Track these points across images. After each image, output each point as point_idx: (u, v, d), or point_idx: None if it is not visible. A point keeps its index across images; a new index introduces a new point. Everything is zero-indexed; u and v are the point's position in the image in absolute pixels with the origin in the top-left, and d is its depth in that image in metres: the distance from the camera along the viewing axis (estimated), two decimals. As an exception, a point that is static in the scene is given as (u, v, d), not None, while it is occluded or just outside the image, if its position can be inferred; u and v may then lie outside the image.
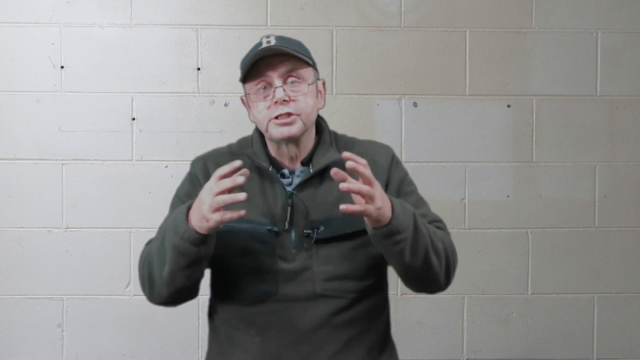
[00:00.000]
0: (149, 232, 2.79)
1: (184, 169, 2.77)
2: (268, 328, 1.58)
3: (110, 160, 2.78)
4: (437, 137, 2.83)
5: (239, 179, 1.39)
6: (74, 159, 2.77)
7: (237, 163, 1.41)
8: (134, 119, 2.78)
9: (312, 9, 2.81)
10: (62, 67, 2.77)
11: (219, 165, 1.60)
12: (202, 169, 1.69)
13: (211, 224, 1.42)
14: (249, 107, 1.67)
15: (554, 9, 2.85)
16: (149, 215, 2.78)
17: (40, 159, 2.77)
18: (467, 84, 2.84)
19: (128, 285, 2.78)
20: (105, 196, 2.77)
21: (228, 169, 1.41)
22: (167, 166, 2.79)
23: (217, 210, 1.40)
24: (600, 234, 2.87)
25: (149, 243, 1.66)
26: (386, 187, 1.65)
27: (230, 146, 1.76)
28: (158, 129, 2.78)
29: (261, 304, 1.57)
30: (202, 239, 1.45)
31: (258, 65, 1.60)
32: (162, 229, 1.56)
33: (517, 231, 2.86)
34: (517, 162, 2.85)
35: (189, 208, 1.47)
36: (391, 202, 1.46)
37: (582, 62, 2.86)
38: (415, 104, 2.82)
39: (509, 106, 2.85)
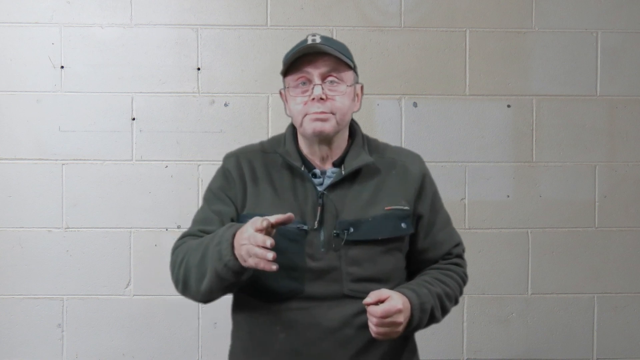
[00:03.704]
0: (149, 232, 2.82)
1: (184, 169, 2.79)
2: (293, 325, 1.60)
3: (110, 160, 2.78)
4: (437, 137, 2.83)
5: (269, 254, 1.41)
6: (74, 159, 2.77)
7: (288, 216, 1.46)
8: (134, 119, 2.78)
9: (312, 9, 2.81)
10: (62, 67, 2.77)
11: (250, 162, 1.69)
12: (235, 165, 1.71)
13: (246, 265, 1.46)
14: (286, 101, 1.69)
15: (554, 9, 2.85)
16: (149, 215, 2.78)
17: (40, 159, 2.77)
18: (467, 84, 2.84)
19: (128, 285, 2.78)
20: (105, 196, 2.77)
21: (274, 220, 1.44)
22: (167, 166, 2.79)
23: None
24: (600, 234, 2.87)
25: (182, 237, 1.69)
26: (418, 196, 1.70)
27: (262, 144, 1.78)
28: (158, 129, 2.78)
29: (288, 301, 1.60)
30: (243, 270, 1.49)
31: (300, 61, 1.63)
32: (204, 245, 1.56)
33: (517, 231, 2.86)
34: (517, 162, 2.85)
35: (234, 235, 1.49)
36: (411, 304, 1.58)
37: (582, 62, 2.86)
38: (415, 104, 2.82)
39: (509, 106, 2.85)
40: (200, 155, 2.79)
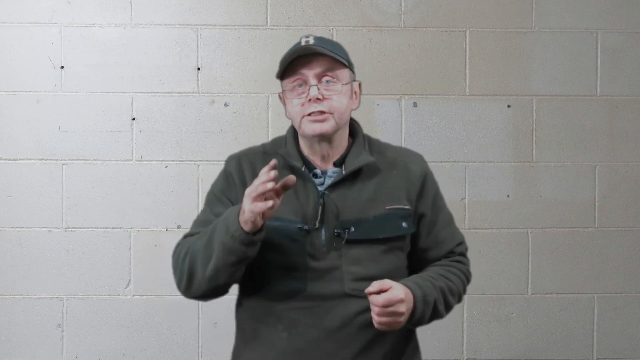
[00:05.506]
0: (149, 232, 2.82)
1: (184, 169, 2.79)
2: (295, 324, 1.62)
3: (110, 160, 2.78)
4: (437, 137, 2.83)
5: (269, 184, 1.45)
6: (74, 159, 2.77)
7: (273, 162, 1.48)
8: (134, 119, 2.78)
9: (312, 9, 2.81)
10: (62, 67, 2.77)
11: (252, 164, 1.70)
12: (236, 167, 1.73)
13: (247, 215, 1.48)
14: (285, 104, 1.71)
15: (554, 9, 2.85)
16: (149, 215, 2.78)
17: (40, 159, 2.77)
18: (467, 84, 2.84)
19: (128, 285, 2.79)
20: (105, 196, 2.77)
21: (267, 169, 1.47)
22: (167, 166, 2.79)
23: (254, 200, 1.47)
24: (600, 234, 2.87)
25: (185, 237, 1.70)
26: (419, 195, 1.71)
27: (264, 145, 1.80)
28: (158, 129, 2.78)
29: (290, 301, 1.61)
30: (251, 240, 1.51)
31: (295, 64, 1.65)
32: (210, 228, 1.59)
33: (517, 231, 2.86)
34: (517, 162, 2.85)
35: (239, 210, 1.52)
36: (413, 296, 1.58)
37: (582, 62, 2.86)
38: (415, 104, 2.82)
39: (509, 106, 2.85)
40: (200, 155, 2.79)
